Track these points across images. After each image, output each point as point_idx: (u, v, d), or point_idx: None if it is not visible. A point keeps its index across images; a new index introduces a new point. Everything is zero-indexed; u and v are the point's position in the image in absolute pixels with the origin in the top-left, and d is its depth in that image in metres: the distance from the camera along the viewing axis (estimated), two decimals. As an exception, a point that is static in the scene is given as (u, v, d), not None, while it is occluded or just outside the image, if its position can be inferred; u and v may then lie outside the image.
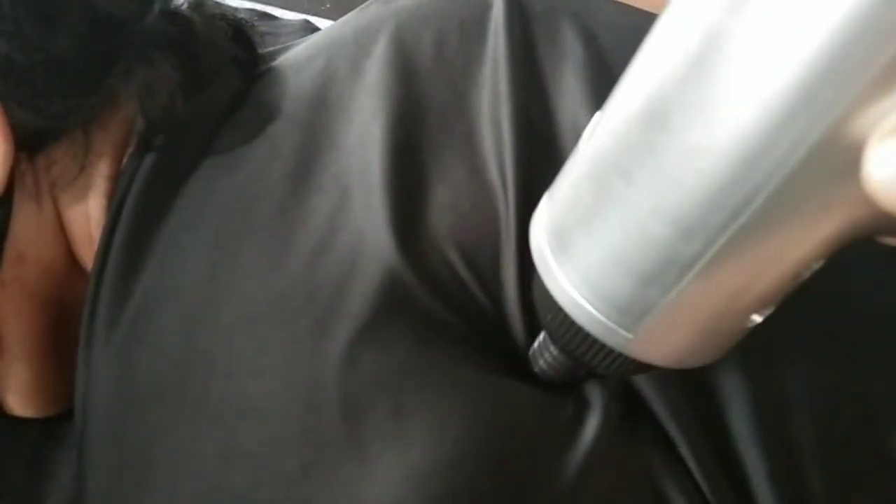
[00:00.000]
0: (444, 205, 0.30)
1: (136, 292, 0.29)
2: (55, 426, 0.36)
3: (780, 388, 0.28)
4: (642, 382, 0.28)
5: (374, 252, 0.28)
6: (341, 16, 0.42)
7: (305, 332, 0.26)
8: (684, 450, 0.28)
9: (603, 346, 0.21)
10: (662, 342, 0.20)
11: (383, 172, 0.30)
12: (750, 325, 0.20)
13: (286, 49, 0.40)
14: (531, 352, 0.27)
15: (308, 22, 0.57)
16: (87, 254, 0.33)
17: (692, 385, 0.28)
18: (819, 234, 0.16)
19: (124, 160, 0.33)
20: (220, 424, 0.26)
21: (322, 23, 0.59)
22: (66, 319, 0.34)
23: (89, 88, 0.31)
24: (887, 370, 0.30)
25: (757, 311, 0.19)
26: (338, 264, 0.28)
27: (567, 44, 0.35)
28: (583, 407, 0.28)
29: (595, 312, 0.20)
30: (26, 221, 0.32)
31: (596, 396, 0.28)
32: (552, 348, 0.26)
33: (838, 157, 0.14)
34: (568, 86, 0.34)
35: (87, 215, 0.33)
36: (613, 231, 0.18)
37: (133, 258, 0.30)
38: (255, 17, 0.57)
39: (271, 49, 0.40)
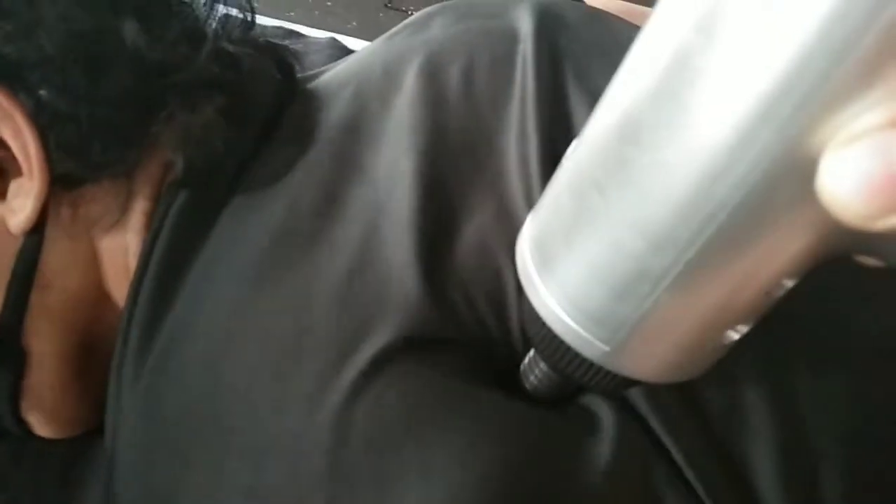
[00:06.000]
0: (471, 244, 0.30)
1: (165, 326, 0.29)
2: (83, 445, 0.36)
3: (804, 437, 0.28)
4: (656, 423, 0.28)
5: (399, 288, 0.28)
6: (367, 35, 0.42)
7: (329, 366, 0.26)
8: (689, 473, 0.27)
9: (584, 359, 0.21)
10: (639, 355, 0.20)
11: (412, 210, 0.30)
12: (727, 341, 0.20)
13: (314, 77, 0.40)
14: (521, 369, 0.28)
15: (335, 40, 0.58)
16: (123, 285, 0.33)
17: (715, 442, 0.28)
18: (786, 251, 0.16)
19: (161, 192, 0.33)
20: (245, 460, 0.26)
21: (348, 41, 0.60)
22: (95, 348, 0.34)
23: (132, 140, 0.31)
24: None
25: (731, 328, 0.19)
26: (363, 299, 0.28)
27: (596, 81, 0.35)
28: (596, 427, 0.28)
29: (573, 324, 0.20)
30: (58, 252, 0.32)
31: (608, 418, 0.28)
32: (541, 363, 0.26)
33: (798, 173, 0.14)
34: None
35: (125, 248, 0.33)
36: (589, 244, 0.19)
37: (164, 293, 0.30)
38: (283, 35, 0.57)
39: (300, 76, 0.41)
